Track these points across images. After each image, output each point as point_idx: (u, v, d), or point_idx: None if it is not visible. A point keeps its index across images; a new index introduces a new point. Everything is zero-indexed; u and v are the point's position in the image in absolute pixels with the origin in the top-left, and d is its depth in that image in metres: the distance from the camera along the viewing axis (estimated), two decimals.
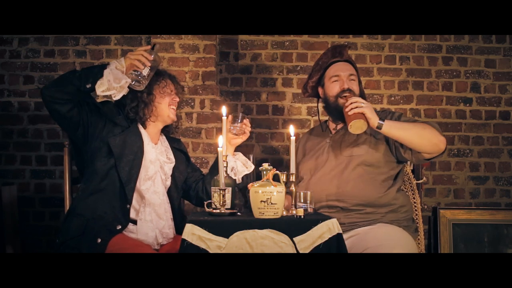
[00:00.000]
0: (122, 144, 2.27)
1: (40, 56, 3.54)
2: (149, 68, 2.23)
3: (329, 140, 2.54)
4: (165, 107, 2.37)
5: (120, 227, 2.21)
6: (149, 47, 2.27)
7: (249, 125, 2.39)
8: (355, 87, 2.50)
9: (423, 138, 2.32)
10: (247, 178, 2.39)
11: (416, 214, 2.58)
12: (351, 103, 2.30)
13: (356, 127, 2.30)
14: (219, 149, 2.16)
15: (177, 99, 2.42)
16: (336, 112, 2.50)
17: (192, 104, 3.30)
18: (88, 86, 2.16)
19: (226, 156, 2.30)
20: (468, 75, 3.70)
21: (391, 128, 2.30)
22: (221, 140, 2.18)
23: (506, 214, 3.57)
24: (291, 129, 2.22)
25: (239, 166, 2.41)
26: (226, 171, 2.25)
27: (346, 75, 2.51)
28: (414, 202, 2.60)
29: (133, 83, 2.23)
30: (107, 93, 2.18)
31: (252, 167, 2.43)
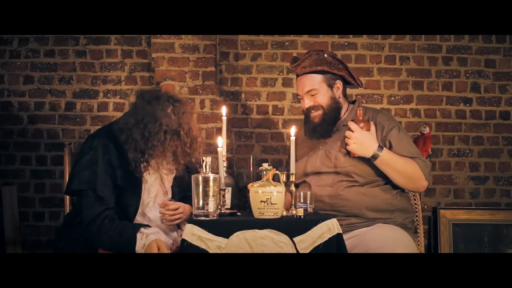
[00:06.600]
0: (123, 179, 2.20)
1: (40, 56, 3.53)
2: None
3: (322, 147, 2.47)
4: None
5: None
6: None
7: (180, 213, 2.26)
8: (320, 99, 2.44)
9: (408, 182, 2.39)
10: (247, 178, 2.39)
11: (416, 214, 2.59)
12: (346, 138, 2.35)
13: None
14: (219, 149, 2.16)
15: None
16: (307, 124, 2.50)
17: (192, 104, 3.30)
18: None
19: (226, 156, 2.30)
20: (468, 75, 3.69)
21: (382, 164, 2.34)
22: (221, 140, 2.18)
23: (506, 214, 3.57)
24: (292, 129, 2.22)
25: None
26: (226, 171, 2.25)
27: (304, 93, 2.47)
28: (415, 203, 2.60)
29: None
30: None
31: None
